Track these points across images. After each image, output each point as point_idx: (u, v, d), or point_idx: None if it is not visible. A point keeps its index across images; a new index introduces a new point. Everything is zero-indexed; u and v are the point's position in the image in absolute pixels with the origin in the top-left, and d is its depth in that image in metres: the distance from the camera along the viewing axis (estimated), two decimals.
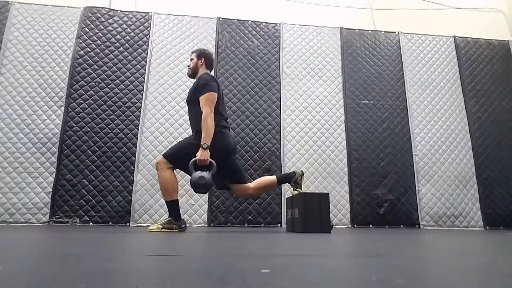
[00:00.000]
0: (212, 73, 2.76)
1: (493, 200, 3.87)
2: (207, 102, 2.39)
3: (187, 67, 2.73)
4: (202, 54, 2.67)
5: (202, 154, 2.30)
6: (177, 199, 2.42)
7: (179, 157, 2.40)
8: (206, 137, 2.32)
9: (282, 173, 3.59)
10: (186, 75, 2.84)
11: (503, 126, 4.14)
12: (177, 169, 2.46)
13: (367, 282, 0.58)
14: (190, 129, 2.72)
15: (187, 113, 2.68)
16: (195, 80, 2.60)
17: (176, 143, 2.93)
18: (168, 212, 2.45)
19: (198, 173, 2.29)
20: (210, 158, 2.34)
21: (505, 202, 3.88)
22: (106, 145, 3.52)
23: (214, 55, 3.95)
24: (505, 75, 4.35)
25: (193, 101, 2.49)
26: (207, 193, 3.52)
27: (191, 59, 2.68)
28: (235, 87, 3.90)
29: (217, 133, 2.39)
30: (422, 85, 4.22)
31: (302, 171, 2.67)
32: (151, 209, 3.43)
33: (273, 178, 2.65)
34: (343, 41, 4.25)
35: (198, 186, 2.31)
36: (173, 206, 2.41)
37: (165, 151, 2.55)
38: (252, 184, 2.58)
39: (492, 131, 4.10)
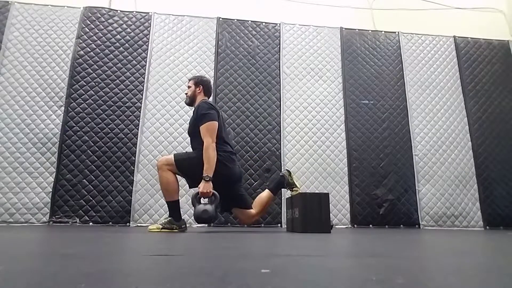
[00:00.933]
0: (211, 99, 2.74)
1: (493, 200, 3.87)
2: (208, 132, 2.36)
3: (185, 95, 2.69)
4: (199, 82, 2.62)
5: (204, 187, 2.28)
6: (178, 200, 2.42)
7: (185, 165, 2.39)
8: (209, 169, 2.30)
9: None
10: (184, 102, 2.78)
11: (503, 126, 4.14)
12: None
13: (367, 282, 0.58)
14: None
15: (189, 144, 2.65)
16: (193, 108, 2.57)
17: (185, 152, 2.91)
18: (168, 212, 2.45)
19: (201, 207, 2.29)
20: (215, 184, 2.34)
21: (505, 202, 3.88)
22: (106, 145, 3.52)
23: (213, 55, 3.96)
24: (505, 75, 4.35)
25: (194, 133, 2.46)
26: None
27: (189, 87, 2.64)
28: (235, 87, 3.90)
29: (222, 160, 2.39)
30: (422, 85, 4.22)
31: (287, 171, 2.68)
32: (151, 209, 3.43)
33: (267, 193, 2.64)
34: (343, 41, 4.25)
35: (202, 220, 2.32)
36: (173, 207, 2.41)
37: (175, 153, 2.55)
38: (254, 210, 2.57)
39: (492, 131, 4.10)
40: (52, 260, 0.84)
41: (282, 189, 3.62)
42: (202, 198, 2.35)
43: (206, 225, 3.44)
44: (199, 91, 2.61)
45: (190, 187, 2.55)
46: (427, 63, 4.31)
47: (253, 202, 2.65)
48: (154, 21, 4.00)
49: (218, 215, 2.47)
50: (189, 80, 2.69)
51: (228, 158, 2.45)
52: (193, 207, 2.36)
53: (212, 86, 2.95)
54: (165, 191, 2.40)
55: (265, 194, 2.65)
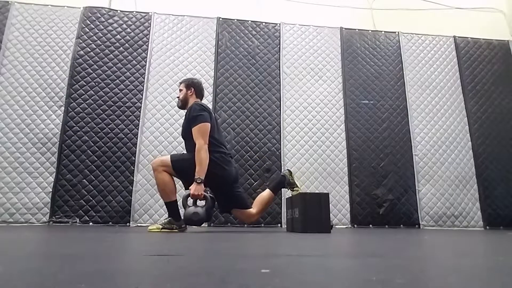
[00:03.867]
0: (204, 101, 2.72)
1: (493, 200, 3.87)
2: (200, 134, 2.33)
3: (177, 99, 2.67)
4: (190, 84, 2.60)
5: (196, 189, 2.26)
6: (176, 200, 2.41)
7: (181, 166, 2.36)
8: (200, 171, 2.27)
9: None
10: (177, 107, 2.75)
11: (503, 126, 4.14)
12: None
13: (367, 282, 0.58)
14: None
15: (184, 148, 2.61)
16: (186, 111, 2.53)
17: (182, 153, 2.87)
18: (167, 213, 2.45)
19: (192, 209, 2.28)
20: (211, 185, 2.32)
21: (505, 202, 3.87)
22: (106, 145, 3.52)
23: (213, 55, 3.96)
24: (505, 75, 4.35)
25: (188, 135, 2.42)
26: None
27: (180, 90, 2.61)
28: (235, 87, 3.90)
29: (217, 161, 2.37)
30: (422, 85, 4.22)
31: (289, 170, 2.69)
32: (151, 209, 3.43)
33: (268, 192, 2.64)
34: (343, 41, 4.25)
35: (192, 222, 2.31)
36: (172, 207, 2.40)
37: (172, 153, 2.53)
38: (254, 209, 2.56)
39: (492, 131, 4.10)
40: (52, 260, 0.84)
41: (283, 189, 3.64)
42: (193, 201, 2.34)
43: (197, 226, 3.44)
44: (190, 93, 2.58)
45: (186, 189, 2.53)
46: (427, 63, 4.31)
47: (254, 201, 2.65)
48: (154, 21, 4.00)
49: (210, 217, 2.45)
50: (180, 83, 2.67)
51: (222, 159, 2.43)
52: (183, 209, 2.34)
53: (208, 86, 2.93)
54: (162, 192, 2.38)
55: (266, 193, 2.64)
